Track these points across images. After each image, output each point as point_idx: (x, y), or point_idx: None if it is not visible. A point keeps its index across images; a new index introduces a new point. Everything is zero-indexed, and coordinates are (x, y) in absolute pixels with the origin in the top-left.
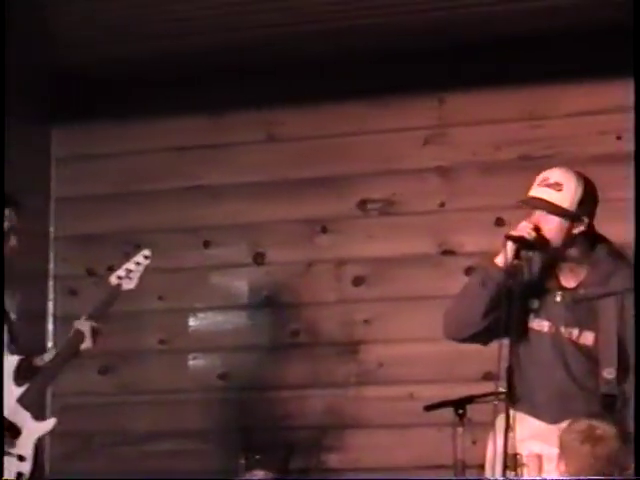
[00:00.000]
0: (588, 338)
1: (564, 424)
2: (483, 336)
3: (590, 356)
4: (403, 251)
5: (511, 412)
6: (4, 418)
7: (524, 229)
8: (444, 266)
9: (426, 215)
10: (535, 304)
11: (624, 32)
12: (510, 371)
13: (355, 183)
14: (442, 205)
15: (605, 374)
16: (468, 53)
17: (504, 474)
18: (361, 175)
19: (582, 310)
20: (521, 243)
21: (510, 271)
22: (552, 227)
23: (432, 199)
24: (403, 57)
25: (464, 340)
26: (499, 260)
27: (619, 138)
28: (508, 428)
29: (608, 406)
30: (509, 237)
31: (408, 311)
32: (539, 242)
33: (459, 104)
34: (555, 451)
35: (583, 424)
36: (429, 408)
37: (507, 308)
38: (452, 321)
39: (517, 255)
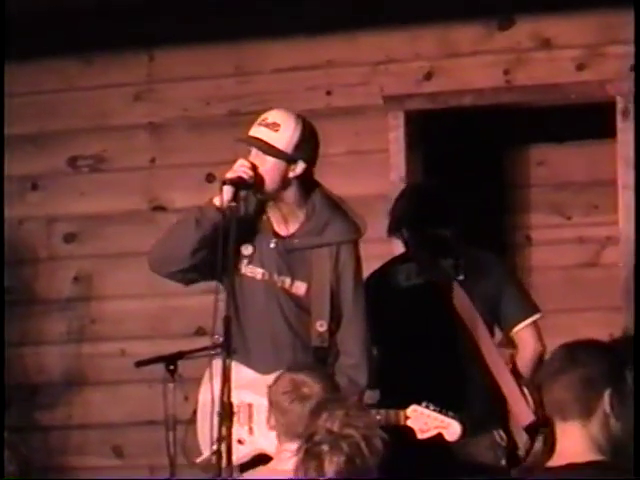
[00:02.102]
0: (300, 288)
1: (277, 374)
2: (189, 274)
3: (302, 306)
4: (114, 207)
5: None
6: None
7: (241, 168)
8: (155, 222)
9: (137, 171)
10: (249, 250)
11: None
12: (228, 321)
13: (65, 140)
14: (153, 161)
15: (317, 327)
16: (177, 9)
17: (220, 425)
18: (71, 131)
19: (295, 259)
20: (238, 184)
21: (227, 213)
22: (267, 168)
23: (143, 155)
24: (112, 13)
25: (168, 275)
26: (217, 200)
27: (329, 93)
28: (226, 379)
29: (320, 359)
30: (227, 181)
31: (119, 267)
32: (256, 182)
33: (169, 60)
34: (266, 402)
35: (287, 382)
36: (140, 364)
37: (221, 252)
38: (159, 254)
39: (235, 197)
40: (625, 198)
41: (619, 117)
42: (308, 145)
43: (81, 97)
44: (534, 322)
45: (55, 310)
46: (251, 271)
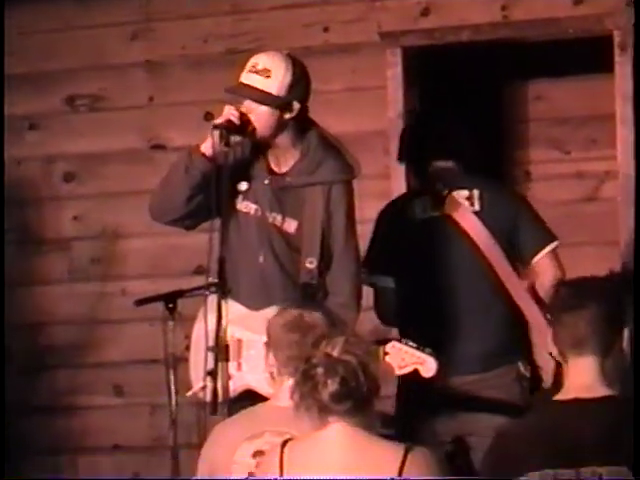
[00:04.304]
0: (291, 225)
1: (266, 311)
2: (187, 220)
3: (292, 244)
4: (113, 146)
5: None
6: None
7: (229, 113)
8: (154, 161)
9: (135, 110)
10: (244, 186)
11: None
12: (222, 262)
13: (62, 79)
14: (151, 100)
15: (307, 263)
16: None
17: (215, 363)
18: (68, 71)
19: (288, 197)
20: (228, 129)
21: (217, 158)
22: (261, 114)
23: (141, 94)
24: None
25: (168, 223)
26: (205, 147)
27: (326, 30)
28: (220, 319)
29: (309, 295)
30: (216, 126)
31: (119, 206)
32: (246, 127)
33: None
34: (255, 337)
35: (288, 315)
36: (140, 302)
37: (215, 190)
38: (155, 204)
39: (227, 142)
40: (623, 132)
41: (617, 51)
42: (300, 84)
43: (78, 36)
44: (553, 250)
45: (55, 250)
46: (245, 207)
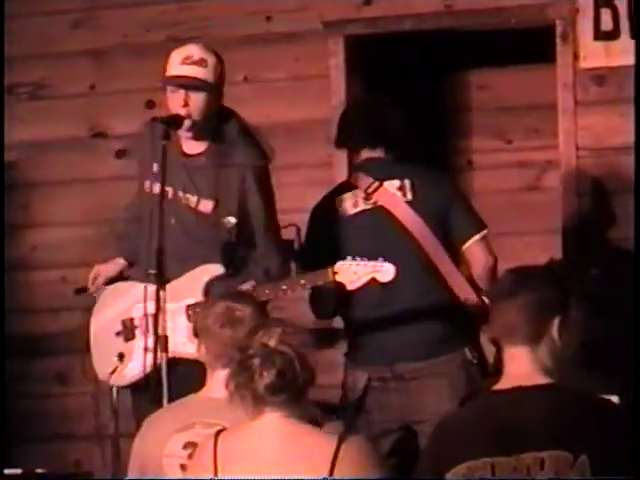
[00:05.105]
0: (207, 206)
1: (178, 280)
2: None
3: (209, 223)
4: (54, 135)
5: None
6: None
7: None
8: (95, 149)
9: (77, 98)
10: (155, 168)
11: None
12: (160, 252)
13: (4, 67)
14: (92, 88)
15: (225, 222)
16: None
17: (155, 355)
18: (10, 59)
19: (202, 178)
20: (167, 122)
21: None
22: (199, 103)
23: (82, 82)
24: None
25: None
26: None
27: (269, 19)
28: (159, 309)
29: (228, 253)
30: (155, 119)
31: (60, 195)
32: (181, 120)
33: None
34: (169, 306)
35: (220, 306)
36: (80, 291)
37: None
38: None
39: (166, 135)
40: (565, 122)
41: (559, 41)
42: (224, 75)
43: (20, 24)
44: (483, 237)
45: None
46: (158, 189)
